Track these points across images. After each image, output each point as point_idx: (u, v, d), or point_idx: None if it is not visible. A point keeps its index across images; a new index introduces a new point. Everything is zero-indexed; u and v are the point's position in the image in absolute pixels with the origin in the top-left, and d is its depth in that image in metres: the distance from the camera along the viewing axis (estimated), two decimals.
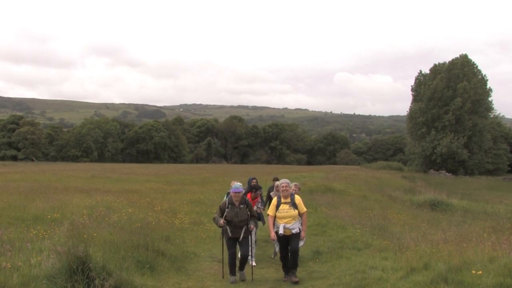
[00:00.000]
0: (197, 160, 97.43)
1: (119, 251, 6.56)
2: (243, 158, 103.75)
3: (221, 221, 6.94)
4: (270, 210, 7.22)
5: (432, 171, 52.80)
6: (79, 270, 5.14)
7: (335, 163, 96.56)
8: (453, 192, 25.21)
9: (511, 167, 64.44)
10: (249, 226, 7.13)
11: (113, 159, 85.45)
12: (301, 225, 7.18)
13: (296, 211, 7.09)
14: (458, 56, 57.74)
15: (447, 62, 57.87)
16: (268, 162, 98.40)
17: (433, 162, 56.16)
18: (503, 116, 67.99)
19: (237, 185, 7.19)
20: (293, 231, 7.04)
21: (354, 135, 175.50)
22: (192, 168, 54.77)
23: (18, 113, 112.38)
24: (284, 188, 7.17)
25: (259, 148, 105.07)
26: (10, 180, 23.20)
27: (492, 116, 59.89)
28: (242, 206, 7.08)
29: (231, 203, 7.06)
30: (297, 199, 7.19)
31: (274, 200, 7.25)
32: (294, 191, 8.23)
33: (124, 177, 29.06)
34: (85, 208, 10.90)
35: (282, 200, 7.14)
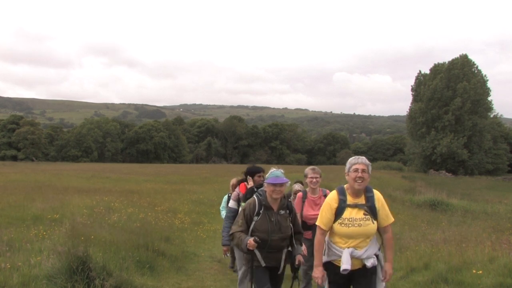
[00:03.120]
0: (197, 160, 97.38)
1: (119, 251, 6.55)
2: (243, 158, 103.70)
3: (250, 239, 3.83)
4: (322, 220, 3.72)
5: (432, 171, 52.78)
6: (79, 270, 5.13)
7: (335, 163, 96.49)
8: (453, 192, 25.19)
9: (511, 167, 64.44)
10: (294, 255, 4.12)
11: (113, 159, 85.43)
12: (380, 251, 3.79)
13: (375, 223, 3.67)
14: (458, 56, 57.81)
15: (446, 62, 57.93)
16: (268, 162, 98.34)
17: (433, 162, 56.15)
18: (502, 115, 67.82)
19: (277, 172, 4.07)
20: (368, 264, 3.62)
21: (354, 135, 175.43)
22: (192, 168, 54.74)
23: (18, 113, 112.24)
24: (360, 175, 3.63)
25: (259, 148, 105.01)
26: (10, 180, 23.19)
27: (492, 116, 59.90)
28: (283, 212, 4.05)
29: (264, 205, 4.03)
30: (379, 199, 3.75)
31: (332, 199, 3.74)
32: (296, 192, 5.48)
33: (124, 177, 29.06)
34: (85, 208, 10.90)
35: (350, 199, 3.71)
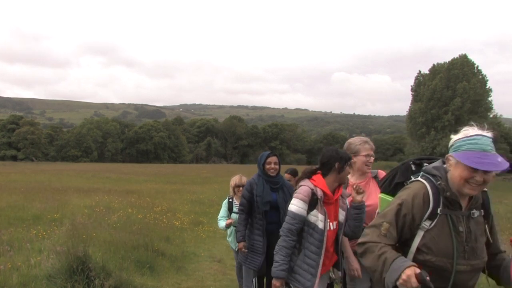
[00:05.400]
0: (197, 160, 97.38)
1: (119, 251, 6.55)
2: (243, 158, 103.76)
3: (410, 271, 1.76)
4: None
5: None
6: (79, 270, 5.14)
7: None
8: None
9: (511, 167, 64.40)
10: None
11: (113, 159, 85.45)
12: None
13: None
14: (458, 56, 57.86)
15: (446, 62, 58.00)
16: None
17: None
18: (501, 115, 67.79)
19: (484, 140, 2.17)
20: None
21: (354, 135, 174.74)
22: (192, 168, 54.76)
23: (18, 113, 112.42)
24: None
25: (259, 148, 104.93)
26: (10, 180, 23.19)
27: (491, 116, 59.91)
28: (477, 213, 2.09)
29: (447, 198, 2.04)
30: None
31: None
32: None
33: (124, 177, 29.08)
34: (85, 208, 10.91)
35: None
